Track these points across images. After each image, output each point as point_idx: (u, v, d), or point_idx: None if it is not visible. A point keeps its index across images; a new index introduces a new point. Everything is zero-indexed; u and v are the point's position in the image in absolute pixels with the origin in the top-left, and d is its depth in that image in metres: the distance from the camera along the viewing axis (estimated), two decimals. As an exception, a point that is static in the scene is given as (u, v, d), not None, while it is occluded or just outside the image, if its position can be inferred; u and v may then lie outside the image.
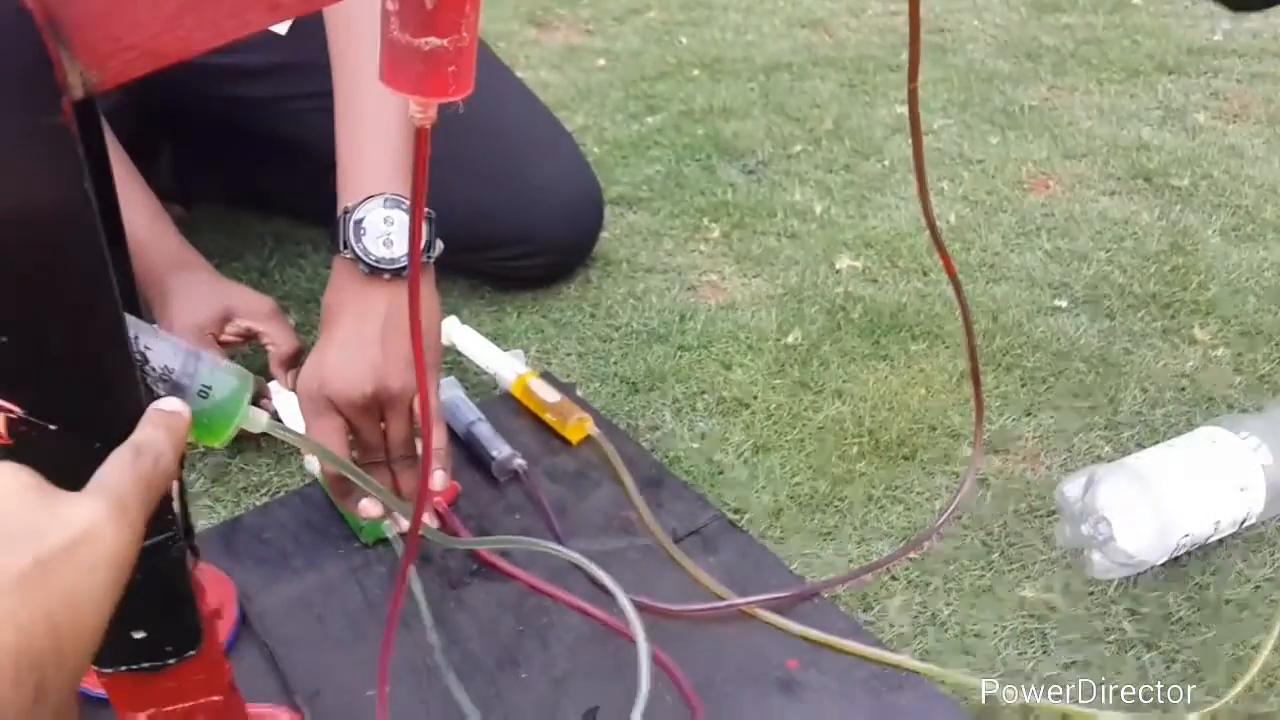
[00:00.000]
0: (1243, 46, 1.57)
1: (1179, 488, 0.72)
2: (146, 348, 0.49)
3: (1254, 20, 1.66)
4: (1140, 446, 0.84)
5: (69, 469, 0.37)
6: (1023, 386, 0.93)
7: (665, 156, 1.35)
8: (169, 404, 0.42)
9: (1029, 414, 0.90)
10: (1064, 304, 1.03)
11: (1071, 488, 0.76)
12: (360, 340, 0.69)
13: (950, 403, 0.92)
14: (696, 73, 1.58)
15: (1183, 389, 0.92)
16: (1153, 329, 0.99)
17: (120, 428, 0.40)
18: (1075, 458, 0.85)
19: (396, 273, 0.71)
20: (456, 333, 0.97)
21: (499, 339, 1.04)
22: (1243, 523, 0.74)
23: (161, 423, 0.41)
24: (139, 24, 0.35)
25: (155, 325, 0.48)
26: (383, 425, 0.72)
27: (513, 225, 1.04)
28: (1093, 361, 0.95)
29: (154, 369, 0.49)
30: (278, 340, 0.88)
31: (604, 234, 1.18)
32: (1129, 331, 0.99)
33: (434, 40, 0.35)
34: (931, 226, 0.58)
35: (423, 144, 0.37)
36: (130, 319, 0.44)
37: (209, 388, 0.50)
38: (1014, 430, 0.89)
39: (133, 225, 0.85)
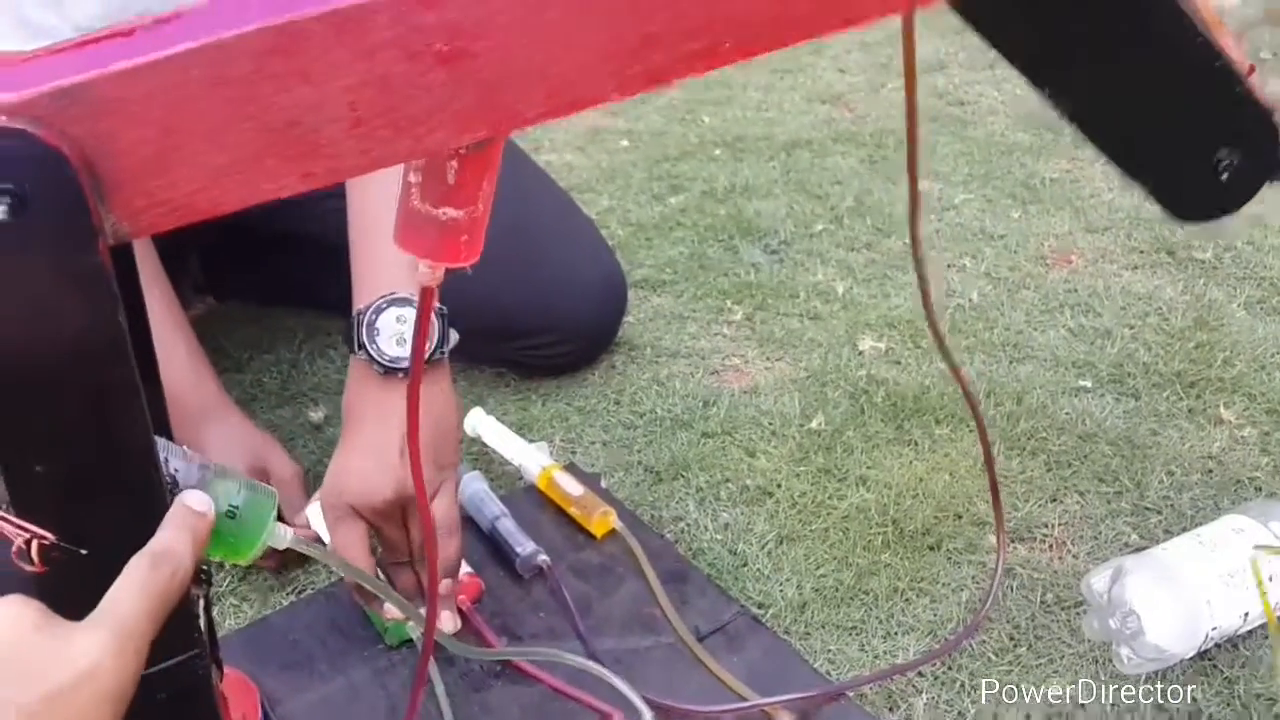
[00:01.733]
0: (1265, 112, 1.57)
1: (1207, 580, 0.71)
2: (176, 470, 0.50)
3: (1274, 85, 1.66)
4: (1168, 533, 0.84)
5: (99, 591, 0.38)
6: (1048, 471, 0.92)
7: (688, 238, 1.36)
8: (195, 501, 0.43)
9: (1055, 500, 0.90)
10: (1089, 384, 1.03)
11: (1099, 580, 0.75)
12: (379, 444, 0.70)
13: (975, 489, 0.91)
14: (718, 152, 1.60)
15: (1210, 471, 0.91)
16: (1178, 409, 0.98)
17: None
18: (1102, 545, 0.85)
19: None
20: (482, 424, 0.99)
21: (525, 428, 1.05)
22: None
23: (185, 524, 0.42)
24: (175, 182, 0.36)
25: (184, 448, 0.49)
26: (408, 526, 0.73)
27: (536, 315, 1.05)
28: (1118, 444, 0.94)
29: (181, 491, 0.50)
30: (288, 509, 0.87)
31: (628, 318, 1.19)
32: (1155, 412, 0.98)
33: (451, 211, 0.36)
34: (935, 331, 0.58)
35: (428, 300, 0.38)
36: (160, 441, 0.46)
37: (236, 507, 0.51)
38: (1039, 517, 0.88)
39: (171, 369, 0.87)
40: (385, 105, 0.35)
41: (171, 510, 0.42)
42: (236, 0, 0.37)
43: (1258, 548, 0.67)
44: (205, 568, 0.47)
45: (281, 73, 0.33)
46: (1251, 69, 0.53)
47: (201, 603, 0.48)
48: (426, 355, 0.72)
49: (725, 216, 1.40)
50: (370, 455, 0.70)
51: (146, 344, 0.45)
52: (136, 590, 0.39)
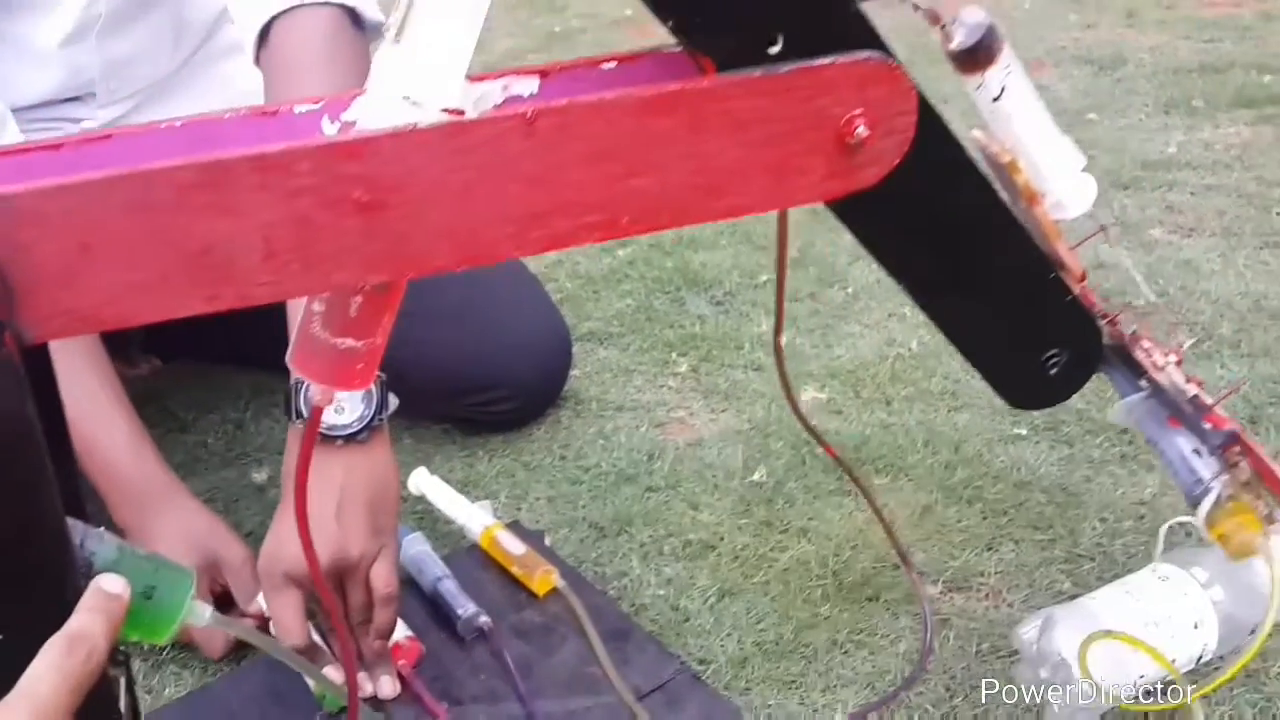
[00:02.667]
0: (1196, 159, 1.61)
1: (1132, 628, 0.72)
2: (91, 553, 0.50)
3: (1205, 132, 1.71)
4: (1100, 580, 0.85)
5: (16, 674, 0.39)
6: (984, 519, 0.94)
7: (636, 290, 1.38)
8: (110, 584, 0.43)
9: (990, 548, 0.91)
10: (1024, 431, 1.05)
11: (1029, 631, 0.76)
12: (314, 513, 0.70)
13: (914, 539, 0.93)
14: (666, 203, 1.62)
15: (1142, 517, 0.93)
16: (1111, 455, 1.00)
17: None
18: (1037, 593, 0.86)
19: (349, 438, 0.73)
20: (425, 484, 0.99)
21: (470, 485, 1.06)
22: (1199, 659, 0.75)
23: (100, 607, 0.42)
24: (84, 295, 0.37)
25: (101, 529, 0.49)
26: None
27: (481, 371, 1.06)
28: (1053, 491, 0.96)
29: (98, 573, 0.50)
30: (234, 574, 0.85)
31: (575, 371, 1.20)
32: (1088, 459, 1.00)
33: (350, 341, 0.38)
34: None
35: (315, 419, 0.39)
36: (75, 524, 0.46)
37: (153, 587, 0.51)
38: (976, 566, 0.89)
39: (112, 452, 0.85)
40: (299, 243, 0.36)
41: (87, 593, 0.42)
42: (167, 129, 0.39)
43: (1094, 635, 0.69)
44: (123, 649, 0.47)
45: (203, 205, 0.35)
46: (1084, 275, 0.58)
47: (122, 682, 0.48)
48: (366, 423, 0.73)
49: (672, 268, 1.42)
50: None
51: (60, 429, 0.45)
52: (53, 673, 0.39)
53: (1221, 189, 1.51)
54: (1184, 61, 2.01)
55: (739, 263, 1.42)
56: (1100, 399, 1.08)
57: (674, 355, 1.23)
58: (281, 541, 0.70)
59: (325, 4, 0.82)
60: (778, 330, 0.64)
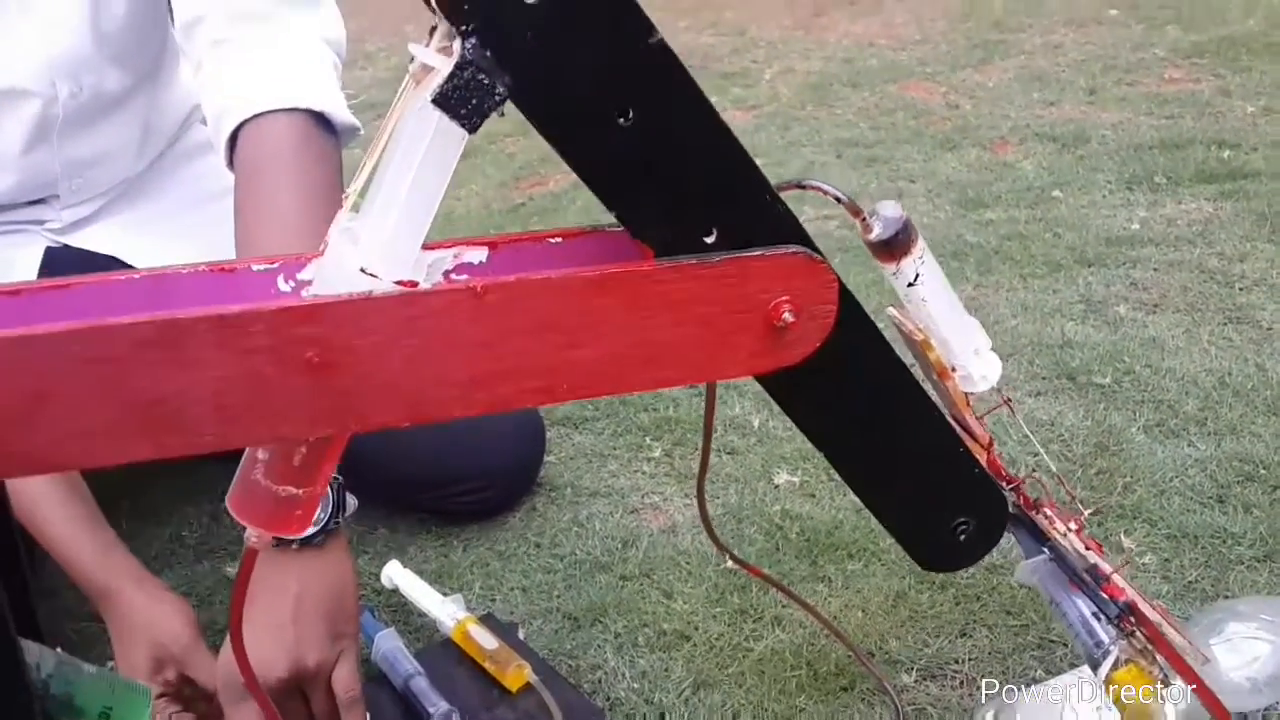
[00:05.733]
0: (1159, 235, 1.65)
1: (1085, 712, 0.73)
2: (48, 675, 0.50)
3: (1168, 208, 1.75)
4: (1072, 666, 0.85)
5: None
6: (956, 605, 0.94)
7: (610, 373, 1.39)
8: None
9: (964, 634, 0.91)
10: (995, 514, 1.05)
11: (987, 716, 0.77)
12: (271, 621, 0.70)
13: (887, 626, 0.93)
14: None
15: (1112, 601, 0.93)
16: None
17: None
18: (1011, 680, 0.86)
19: (305, 543, 0.73)
20: (398, 576, 0.99)
21: (444, 576, 1.06)
22: (1167, 749, 0.75)
23: None
24: (37, 437, 0.38)
25: (57, 649, 0.49)
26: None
27: (453, 464, 1.07)
28: (1024, 575, 0.97)
29: (55, 695, 0.50)
30: (201, 678, 0.84)
31: (549, 458, 1.21)
32: (1058, 541, 1.01)
33: (291, 489, 0.39)
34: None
35: (250, 562, 0.40)
36: (32, 646, 0.46)
37: (110, 708, 0.51)
38: (950, 652, 0.90)
39: (78, 554, 0.85)
40: (249, 399, 0.38)
41: None
42: (126, 280, 0.40)
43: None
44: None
45: (157, 360, 0.36)
46: (990, 442, 0.62)
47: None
48: (322, 526, 0.74)
49: (646, 351, 1.43)
50: (264, 631, 0.70)
51: (11, 544, 0.46)
52: None
53: (1184, 265, 1.54)
54: (1145, 138, 2.06)
55: (712, 344, 1.43)
56: (1069, 479, 1.09)
57: (648, 440, 1.24)
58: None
59: (294, 109, 0.83)
60: (700, 482, 0.69)
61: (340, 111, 0.88)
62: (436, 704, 0.83)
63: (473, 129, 0.39)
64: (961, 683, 0.87)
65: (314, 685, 0.71)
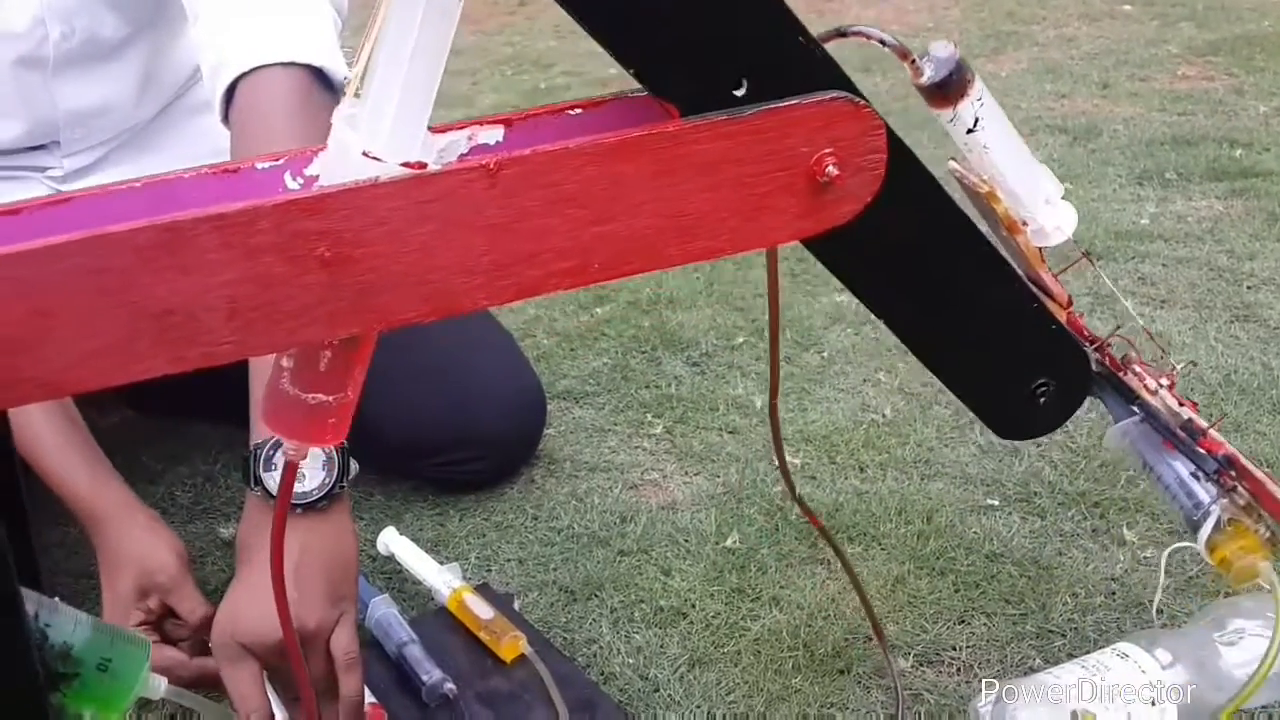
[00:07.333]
0: (1168, 230, 1.64)
1: (1088, 705, 0.72)
2: (46, 624, 0.49)
3: (1178, 204, 1.74)
4: (1070, 656, 0.85)
5: None
6: (956, 592, 0.94)
7: (612, 348, 1.38)
8: None
9: (963, 621, 0.91)
10: (996, 502, 1.05)
11: (984, 704, 0.76)
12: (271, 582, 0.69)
13: (885, 610, 0.92)
14: (645, 261, 1.63)
15: (1113, 593, 0.93)
16: (1083, 529, 1.00)
17: (15, 705, 0.40)
18: (1008, 669, 0.86)
19: (309, 507, 0.72)
20: (394, 544, 0.98)
21: (441, 545, 1.05)
22: (1163, 741, 0.74)
23: None
24: (45, 359, 0.37)
25: (56, 600, 0.48)
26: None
27: (452, 431, 1.06)
28: (1024, 564, 0.96)
29: (54, 645, 0.49)
30: (184, 610, 0.84)
31: (549, 430, 1.20)
32: (1060, 531, 1.00)
33: (320, 396, 0.37)
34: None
35: (290, 475, 0.39)
36: (31, 595, 0.45)
37: (109, 660, 0.50)
38: (948, 639, 0.89)
39: (74, 481, 0.84)
40: (263, 301, 0.36)
41: None
42: (127, 190, 0.38)
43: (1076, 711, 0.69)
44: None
45: (162, 267, 0.34)
46: (1070, 301, 0.58)
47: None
48: (326, 490, 0.73)
49: (649, 328, 1.42)
50: (262, 593, 0.69)
51: (14, 497, 0.45)
52: None
53: (1193, 261, 1.53)
54: (1157, 133, 2.05)
55: (716, 323, 1.43)
56: (1072, 471, 1.08)
57: (649, 416, 1.23)
58: (237, 611, 0.69)
59: (292, 64, 0.82)
60: (773, 390, 0.63)
61: (340, 68, 0.86)
62: (430, 672, 0.82)
63: None
64: (959, 670, 0.86)
65: (312, 648, 0.70)
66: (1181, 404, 0.63)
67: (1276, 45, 2.57)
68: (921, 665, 0.87)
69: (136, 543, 0.85)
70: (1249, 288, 1.45)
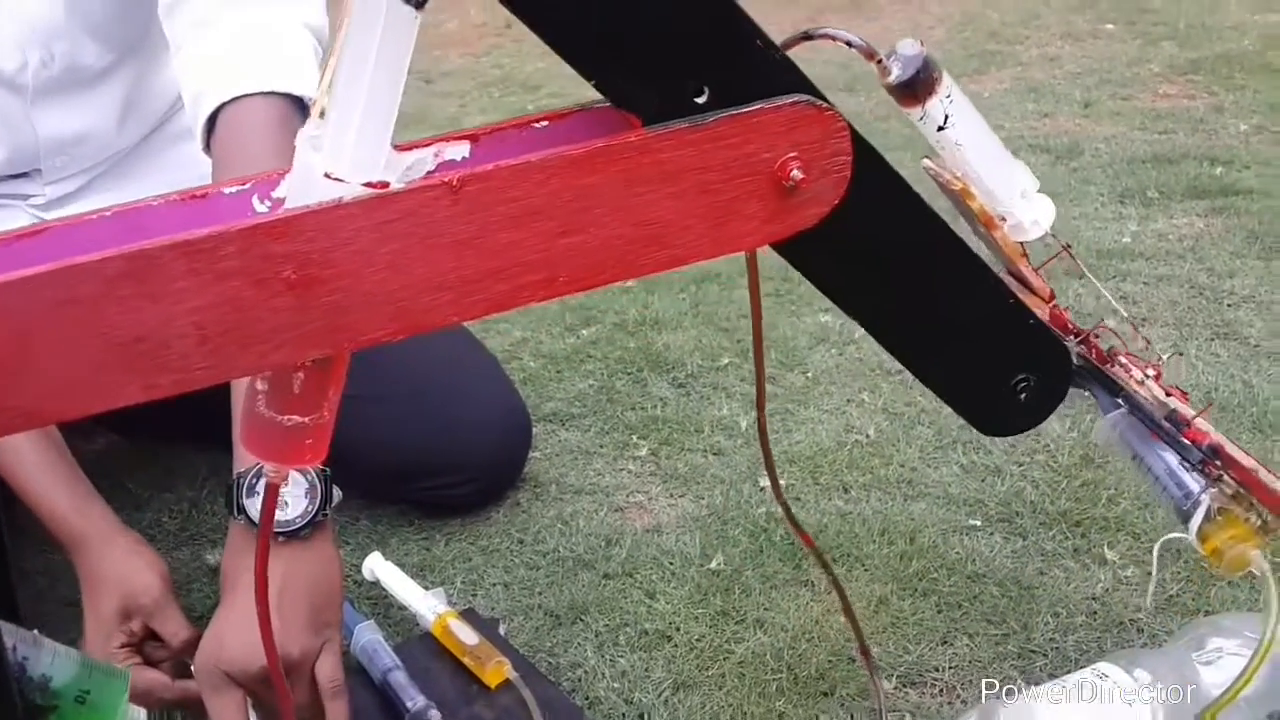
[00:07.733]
0: (1149, 249, 1.65)
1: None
2: (25, 658, 0.49)
3: (1159, 222, 1.75)
4: (1052, 676, 0.85)
5: None
6: (939, 612, 0.94)
7: (598, 370, 1.39)
8: None
9: (945, 642, 0.91)
10: (978, 522, 1.05)
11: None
12: (254, 611, 0.70)
13: (869, 631, 0.92)
14: (631, 284, 1.64)
15: (1094, 613, 0.93)
16: (1064, 548, 1.01)
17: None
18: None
19: (291, 535, 0.73)
20: (379, 569, 0.98)
21: (426, 569, 1.05)
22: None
23: None
24: (23, 389, 0.37)
25: (35, 632, 0.49)
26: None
27: (437, 455, 1.06)
28: (1006, 584, 0.97)
29: (32, 678, 0.50)
30: (167, 633, 0.84)
31: (535, 453, 1.20)
32: (1041, 551, 1.01)
33: (296, 418, 0.38)
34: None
35: (272, 498, 0.39)
36: (9, 627, 0.45)
37: (87, 692, 0.50)
38: (930, 660, 0.89)
39: (56, 503, 0.85)
40: (232, 325, 0.36)
41: None
42: (98, 219, 0.39)
43: None
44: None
45: (131, 295, 0.35)
46: (1051, 295, 0.58)
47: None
48: (309, 518, 0.73)
49: (635, 349, 1.42)
50: (247, 621, 0.69)
51: None
52: None
53: (1174, 279, 1.55)
54: (1138, 152, 2.07)
55: (701, 344, 1.43)
56: (1053, 490, 1.09)
57: (634, 438, 1.24)
58: (221, 639, 0.69)
59: (273, 93, 0.83)
60: (759, 406, 0.63)
61: None
62: (415, 698, 0.82)
63: (419, 4, 0.37)
64: (942, 690, 0.87)
65: (297, 676, 0.70)
66: (1169, 393, 0.62)
67: (1256, 64, 2.60)
68: (905, 686, 0.87)
69: (119, 564, 0.85)
70: (1229, 305, 1.46)
